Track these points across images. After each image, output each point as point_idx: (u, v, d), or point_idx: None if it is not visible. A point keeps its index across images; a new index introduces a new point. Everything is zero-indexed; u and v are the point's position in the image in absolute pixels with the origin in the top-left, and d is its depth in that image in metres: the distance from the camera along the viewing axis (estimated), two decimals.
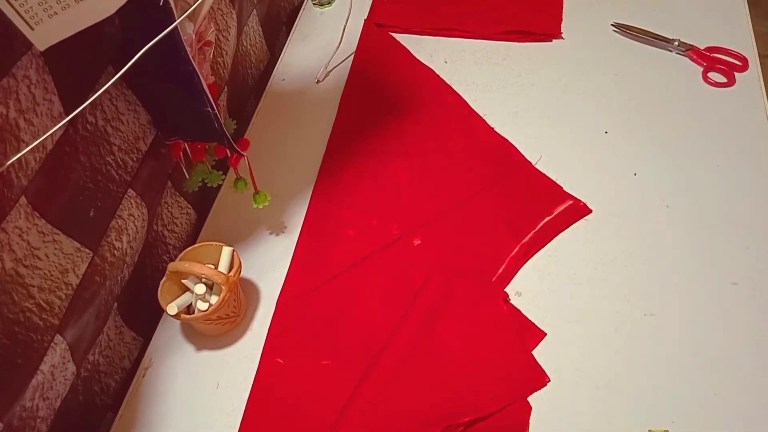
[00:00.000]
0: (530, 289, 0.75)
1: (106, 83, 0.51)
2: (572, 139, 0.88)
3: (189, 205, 0.85)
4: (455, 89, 0.97)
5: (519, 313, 0.72)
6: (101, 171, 0.63)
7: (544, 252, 0.78)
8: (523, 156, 0.86)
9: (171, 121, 0.72)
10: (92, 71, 0.60)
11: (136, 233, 0.71)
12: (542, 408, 0.66)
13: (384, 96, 0.98)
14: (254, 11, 1.00)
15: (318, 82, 1.02)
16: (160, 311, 0.71)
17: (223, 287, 0.67)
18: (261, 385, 0.69)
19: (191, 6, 0.58)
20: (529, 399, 0.66)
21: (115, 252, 0.67)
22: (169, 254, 0.82)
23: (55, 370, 0.60)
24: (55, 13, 0.45)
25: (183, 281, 0.71)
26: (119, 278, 0.70)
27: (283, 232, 0.83)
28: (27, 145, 0.47)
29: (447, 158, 0.88)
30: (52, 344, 0.58)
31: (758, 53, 0.96)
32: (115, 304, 0.71)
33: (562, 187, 0.82)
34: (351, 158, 0.89)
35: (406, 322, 0.71)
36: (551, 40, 1.03)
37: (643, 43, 1.00)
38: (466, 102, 0.95)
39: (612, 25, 1.02)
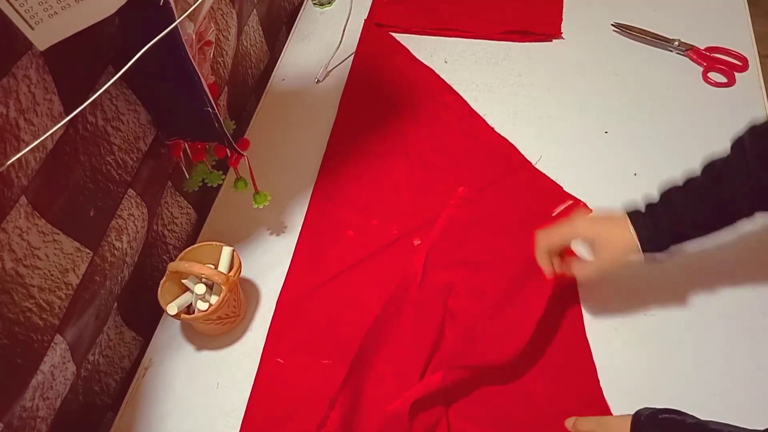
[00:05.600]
0: None
1: (106, 83, 0.51)
2: (572, 139, 0.88)
3: (189, 205, 0.85)
4: (455, 89, 0.97)
5: None
6: (101, 171, 0.63)
7: None
8: (523, 156, 0.86)
9: (171, 121, 0.72)
10: (92, 71, 0.60)
11: (136, 233, 0.71)
12: None
13: (384, 96, 0.98)
14: (254, 11, 1.00)
15: (318, 82, 1.02)
16: (160, 311, 0.71)
17: (223, 287, 0.67)
18: (261, 385, 0.69)
19: (191, 6, 0.58)
20: None
21: (115, 252, 0.67)
22: (169, 254, 0.82)
23: (55, 370, 0.60)
24: (55, 12, 0.45)
25: (183, 281, 0.71)
26: (119, 278, 0.70)
27: (283, 232, 0.83)
28: (27, 145, 0.47)
29: (447, 158, 0.88)
30: (52, 344, 0.58)
31: (758, 53, 0.96)
32: (115, 304, 0.71)
33: (562, 187, 0.82)
34: (351, 158, 0.89)
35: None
36: (551, 40, 1.03)
37: (643, 43, 1.00)
38: (466, 102, 0.95)
39: (612, 25, 1.02)
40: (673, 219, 0.62)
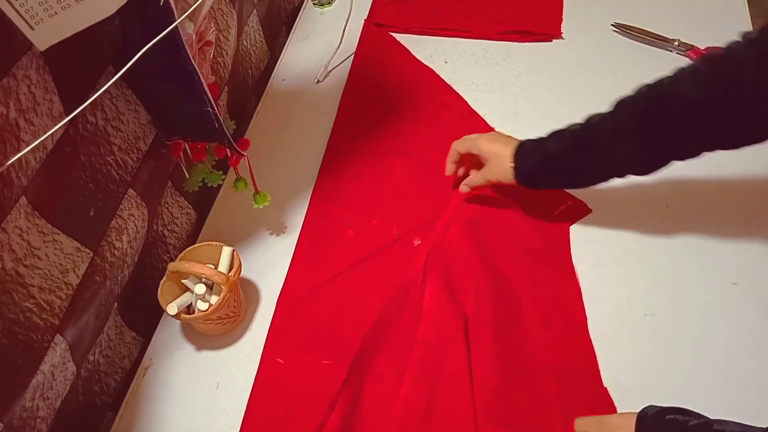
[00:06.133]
0: None
1: (106, 83, 0.51)
2: None
3: (189, 205, 0.85)
4: (455, 89, 0.97)
5: None
6: (101, 171, 0.63)
7: None
8: None
9: (171, 121, 0.72)
10: (92, 71, 0.60)
11: (136, 233, 0.71)
12: None
13: (384, 96, 0.98)
14: (254, 11, 1.01)
15: (318, 82, 1.02)
16: (160, 311, 0.71)
17: (223, 287, 0.67)
18: (261, 385, 0.69)
19: (191, 6, 0.58)
20: None
21: (115, 252, 0.67)
22: (169, 254, 0.82)
23: (55, 370, 0.60)
24: (56, 12, 0.45)
25: (183, 281, 0.71)
26: (119, 278, 0.70)
27: (283, 232, 0.83)
28: (27, 145, 0.47)
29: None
30: (52, 344, 0.58)
31: None
32: (116, 304, 0.71)
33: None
34: (351, 158, 0.89)
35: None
36: (551, 40, 1.03)
37: (643, 43, 1.00)
38: (466, 102, 0.95)
39: (612, 25, 1.02)
40: (544, 161, 0.69)
